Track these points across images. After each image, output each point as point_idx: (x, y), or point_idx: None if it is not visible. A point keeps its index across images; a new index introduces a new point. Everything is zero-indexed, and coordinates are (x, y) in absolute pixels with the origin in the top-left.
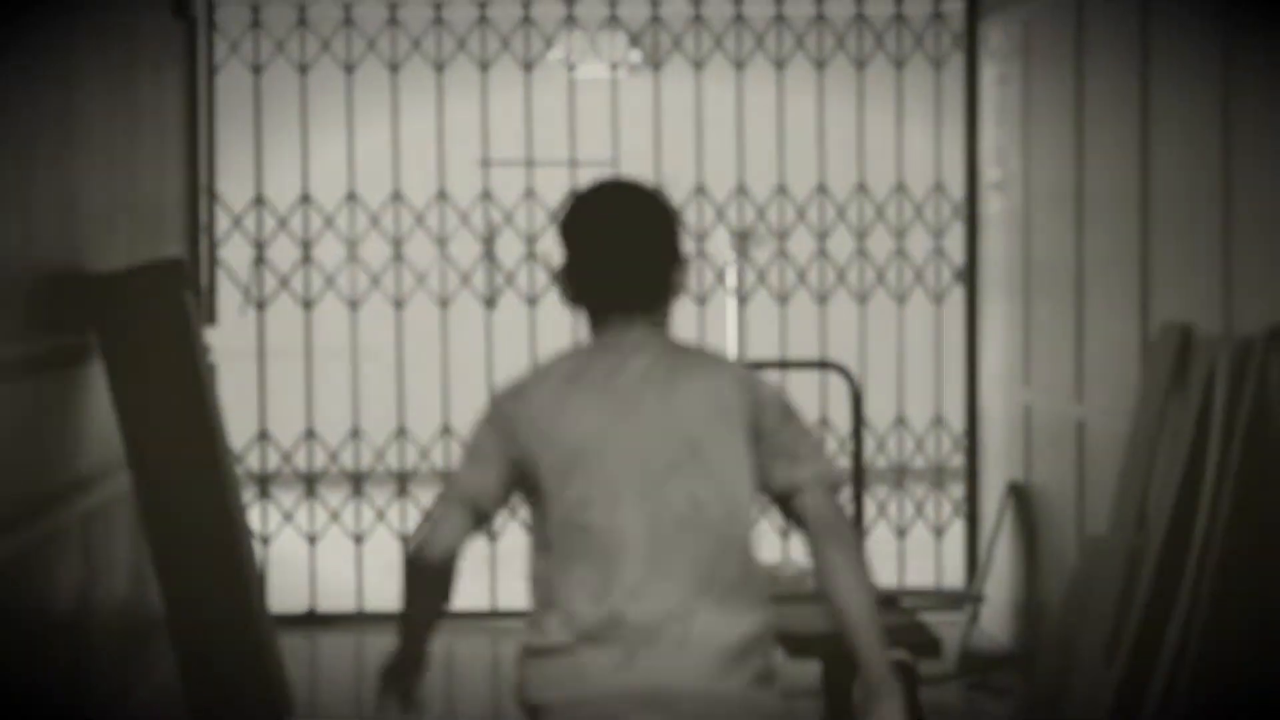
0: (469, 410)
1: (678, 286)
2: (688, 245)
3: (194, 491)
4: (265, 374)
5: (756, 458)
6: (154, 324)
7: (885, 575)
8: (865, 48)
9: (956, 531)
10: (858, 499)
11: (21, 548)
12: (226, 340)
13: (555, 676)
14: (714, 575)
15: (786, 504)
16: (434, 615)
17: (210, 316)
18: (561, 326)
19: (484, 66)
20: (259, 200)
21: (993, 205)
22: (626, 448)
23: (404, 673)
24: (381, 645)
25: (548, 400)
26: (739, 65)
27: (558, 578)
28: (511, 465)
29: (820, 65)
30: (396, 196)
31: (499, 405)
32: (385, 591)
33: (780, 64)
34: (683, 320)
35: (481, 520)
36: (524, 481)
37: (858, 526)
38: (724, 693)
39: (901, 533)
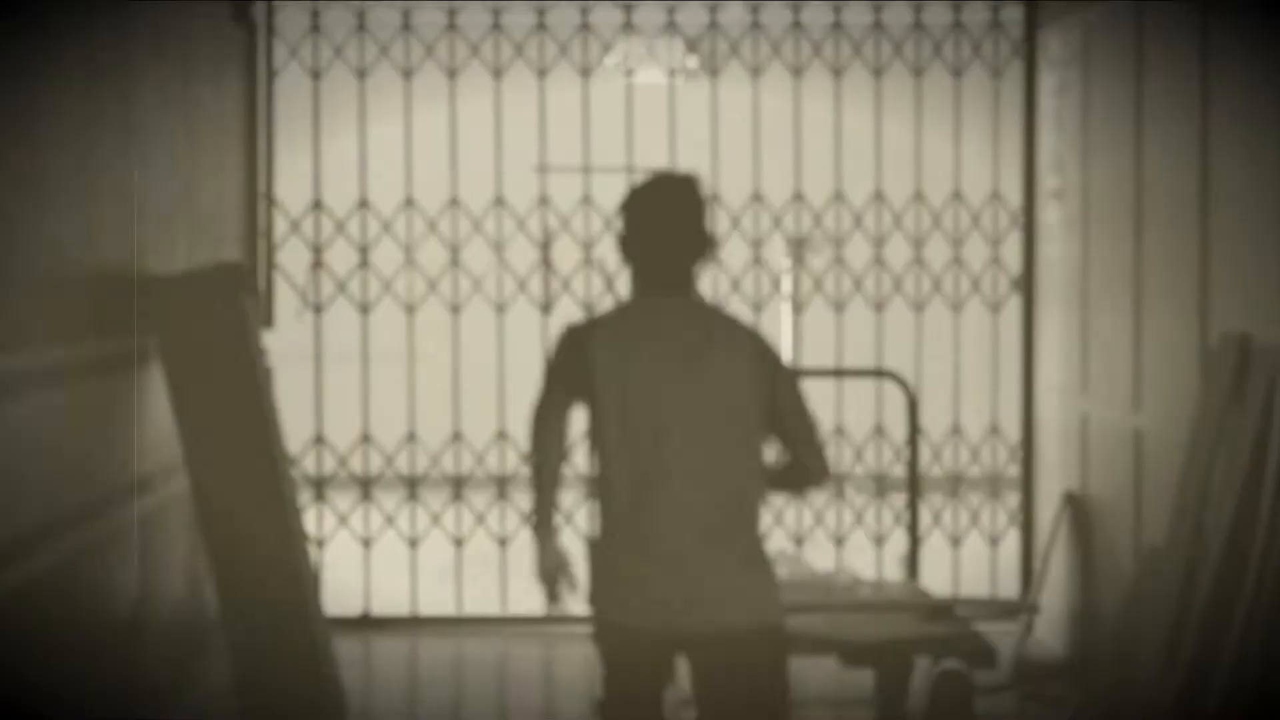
0: (524, 415)
1: (707, 257)
2: (716, 227)
3: (250, 494)
4: (322, 378)
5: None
6: (212, 327)
7: (939, 584)
8: (923, 56)
9: (1011, 541)
10: (913, 507)
11: (80, 549)
12: (284, 344)
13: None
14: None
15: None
16: (557, 475)
17: (268, 320)
18: None
19: (542, 72)
20: (317, 205)
21: (1051, 213)
22: (671, 391)
23: (550, 567)
24: (436, 649)
25: (608, 336)
26: (796, 72)
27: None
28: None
29: (878, 73)
30: (454, 202)
31: (573, 331)
32: (439, 595)
33: (838, 71)
34: None
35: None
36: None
37: (913, 535)
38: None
39: (956, 542)
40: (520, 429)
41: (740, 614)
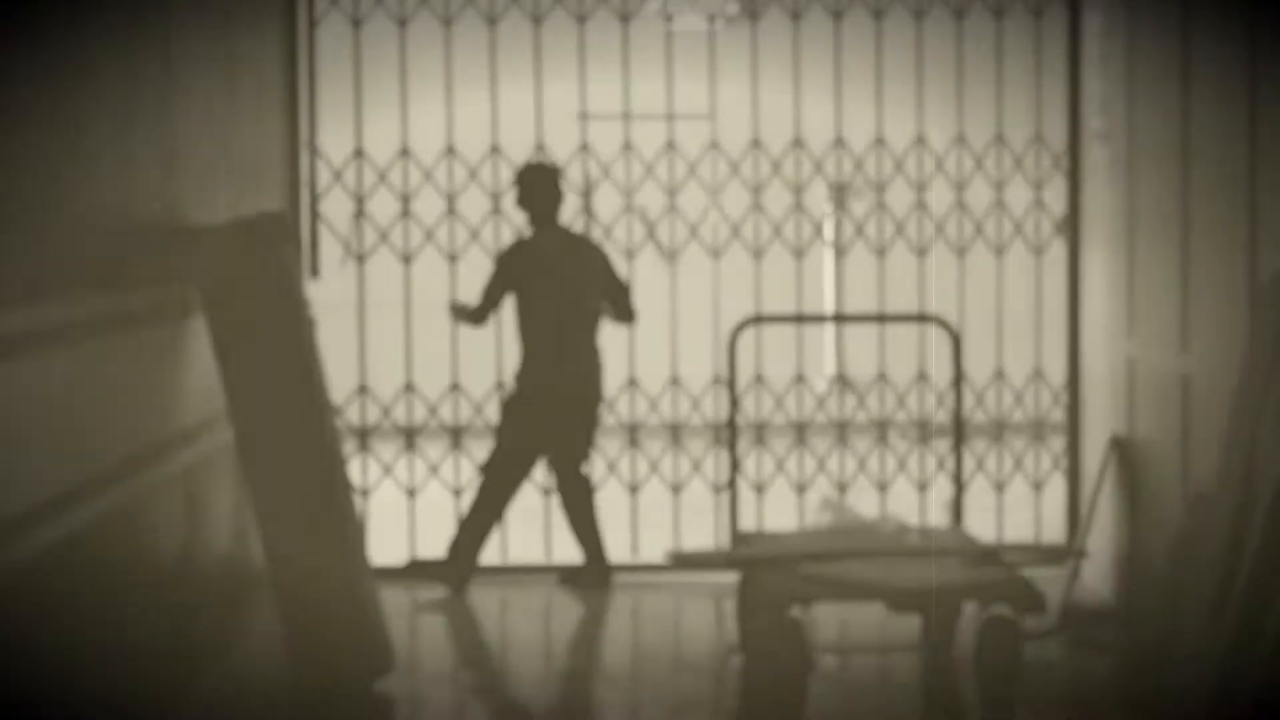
0: None
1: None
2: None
3: (295, 445)
4: (365, 328)
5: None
6: (255, 277)
7: (984, 530)
8: None
9: (1056, 486)
10: (957, 453)
11: (125, 501)
12: (327, 294)
13: None
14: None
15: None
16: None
17: (312, 270)
18: (660, 279)
19: (581, 18)
20: (358, 154)
21: (1095, 155)
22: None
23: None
24: (482, 598)
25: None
26: (837, 15)
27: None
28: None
29: (919, 15)
30: (495, 150)
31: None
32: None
33: (878, 14)
34: (780, 272)
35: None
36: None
37: (957, 480)
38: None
39: (1000, 487)
40: None
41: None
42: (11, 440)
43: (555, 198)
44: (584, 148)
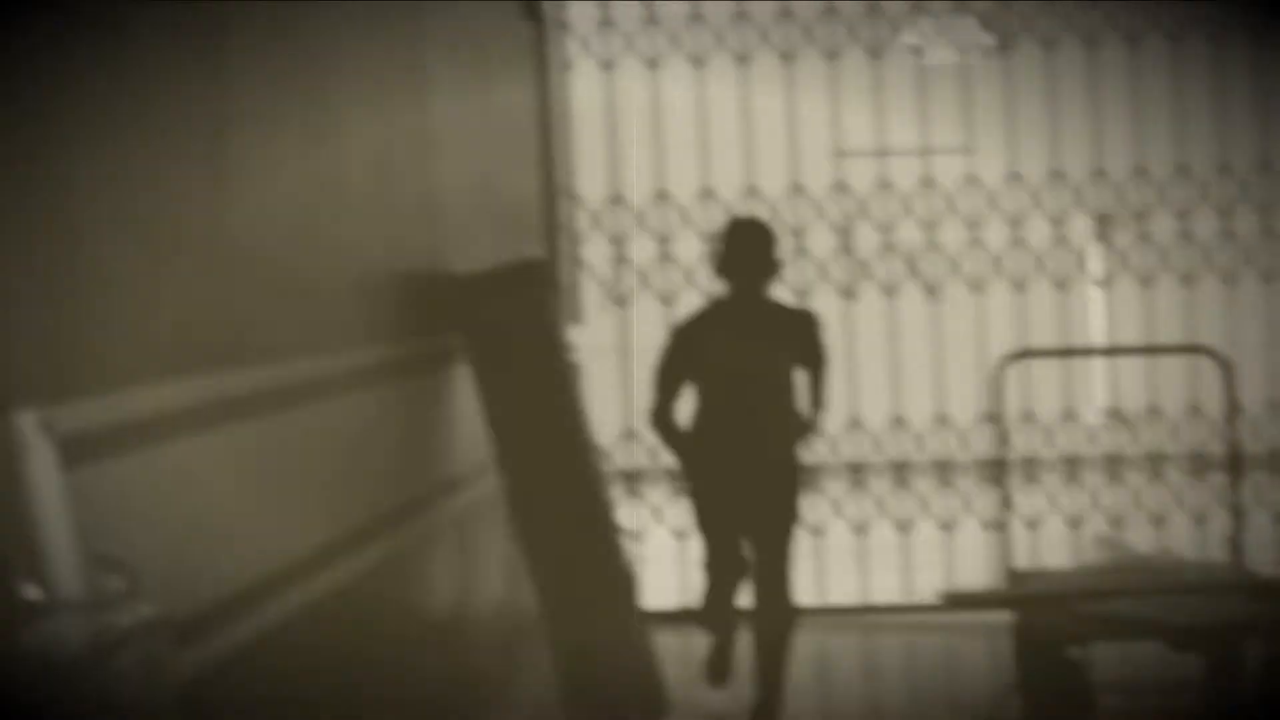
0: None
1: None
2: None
3: (562, 490)
4: (630, 371)
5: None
6: (516, 324)
7: (1266, 565)
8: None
9: None
10: (1234, 485)
11: (399, 548)
12: (592, 338)
13: None
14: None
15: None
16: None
17: (575, 315)
18: (921, 315)
19: (831, 55)
20: (616, 198)
21: None
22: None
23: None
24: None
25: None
26: (1090, 43)
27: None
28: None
29: (1174, 39)
30: (751, 191)
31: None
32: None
33: (1133, 39)
34: (1042, 306)
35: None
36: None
37: (1236, 513)
38: None
39: None
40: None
41: None
42: (294, 485)
43: (763, 261)
44: (839, 186)
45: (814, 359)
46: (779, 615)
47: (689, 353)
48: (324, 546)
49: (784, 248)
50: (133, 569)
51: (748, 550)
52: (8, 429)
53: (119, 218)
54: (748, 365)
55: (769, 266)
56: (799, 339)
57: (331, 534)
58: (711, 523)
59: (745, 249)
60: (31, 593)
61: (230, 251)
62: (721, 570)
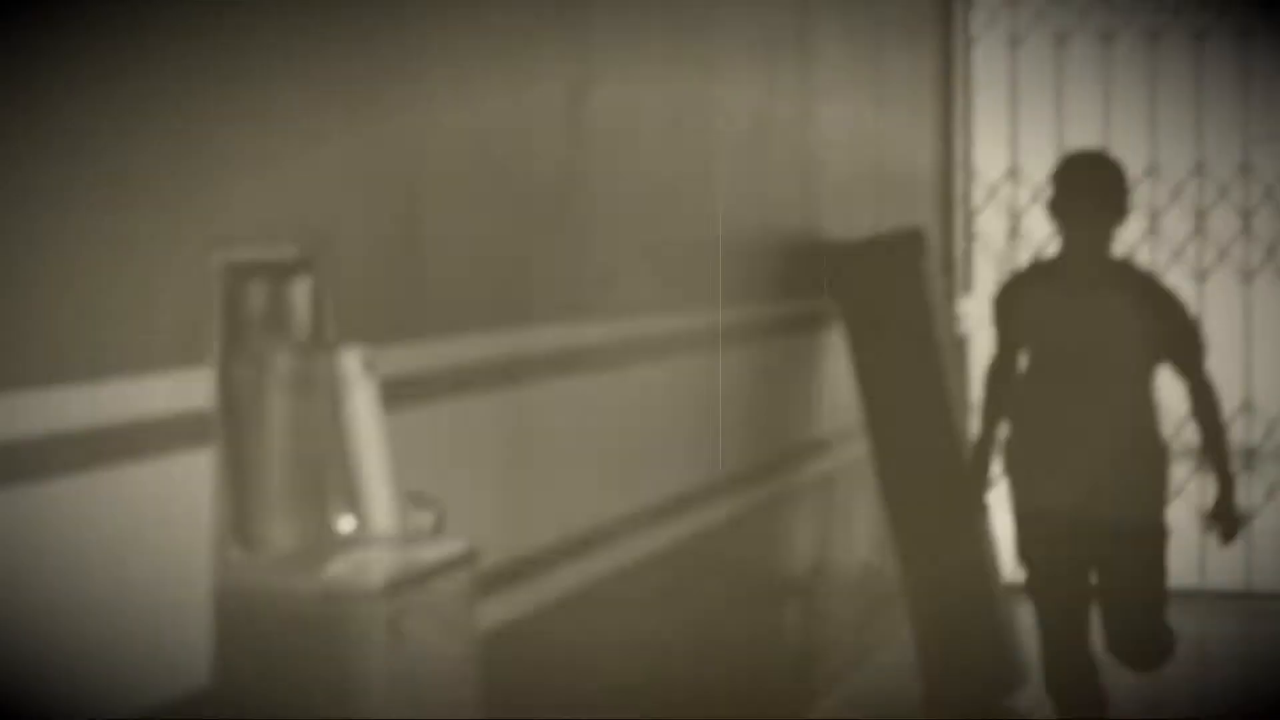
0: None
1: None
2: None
3: (929, 459)
4: None
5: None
6: (892, 291)
7: None
8: None
9: None
10: None
11: (764, 502)
12: (982, 310)
13: None
14: None
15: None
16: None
17: (966, 286)
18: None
19: (1245, 33)
20: (1012, 172)
21: None
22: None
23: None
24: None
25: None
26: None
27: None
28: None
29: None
30: (1151, 170)
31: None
32: None
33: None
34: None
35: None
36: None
37: None
38: None
39: None
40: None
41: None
42: (705, 424)
43: (1104, 204)
44: (1245, 168)
45: (1183, 350)
46: (1144, 657)
47: (1011, 313)
48: (678, 498)
49: (1132, 191)
50: (443, 508)
51: (1094, 577)
52: (335, 365)
53: (476, 172)
54: (1084, 333)
55: (1114, 209)
56: (1159, 318)
57: (702, 478)
58: (1037, 550)
59: (1084, 187)
60: (346, 523)
61: (587, 209)
62: (1061, 615)
